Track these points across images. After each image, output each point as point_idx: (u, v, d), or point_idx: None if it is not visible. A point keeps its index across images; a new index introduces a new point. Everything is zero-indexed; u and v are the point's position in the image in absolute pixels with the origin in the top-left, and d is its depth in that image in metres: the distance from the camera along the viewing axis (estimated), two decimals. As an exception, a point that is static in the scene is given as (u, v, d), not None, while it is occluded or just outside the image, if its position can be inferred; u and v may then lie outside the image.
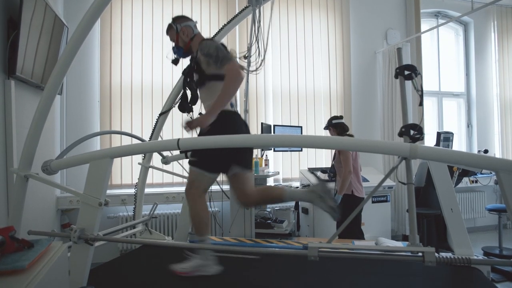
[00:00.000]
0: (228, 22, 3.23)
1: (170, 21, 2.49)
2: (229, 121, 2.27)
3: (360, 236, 3.49)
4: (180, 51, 2.46)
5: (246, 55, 3.04)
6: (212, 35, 3.29)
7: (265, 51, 2.99)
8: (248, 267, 2.53)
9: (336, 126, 3.62)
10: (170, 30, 2.48)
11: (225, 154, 2.22)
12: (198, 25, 2.54)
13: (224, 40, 3.28)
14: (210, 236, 2.31)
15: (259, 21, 2.87)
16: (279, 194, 2.33)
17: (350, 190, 3.46)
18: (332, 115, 4.88)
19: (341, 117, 3.69)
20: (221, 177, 4.25)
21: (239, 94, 3.89)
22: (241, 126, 2.33)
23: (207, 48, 2.21)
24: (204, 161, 2.22)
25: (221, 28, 3.23)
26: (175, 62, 2.52)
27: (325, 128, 3.74)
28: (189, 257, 2.32)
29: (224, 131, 2.13)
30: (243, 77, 2.18)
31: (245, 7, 3.15)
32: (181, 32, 2.41)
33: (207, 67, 2.27)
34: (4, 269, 1.16)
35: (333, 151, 3.93)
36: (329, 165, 4.72)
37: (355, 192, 3.47)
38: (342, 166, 3.49)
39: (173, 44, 2.48)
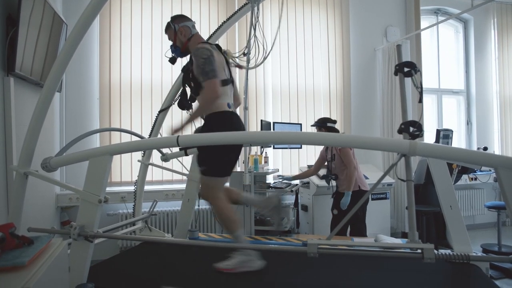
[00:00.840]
0: (227, 19, 3.22)
1: (169, 19, 2.50)
2: (223, 121, 2.29)
3: (364, 232, 3.51)
4: (177, 51, 2.48)
5: (245, 52, 3.04)
6: (211, 33, 3.28)
7: (264, 50, 2.98)
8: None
9: (330, 129, 3.60)
10: (169, 29, 2.48)
11: (232, 159, 2.33)
12: (197, 22, 2.54)
13: (223, 38, 3.27)
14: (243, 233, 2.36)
15: (257, 18, 2.86)
16: (236, 198, 2.46)
17: (357, 185, 3.49)
18: (332, 112, 4.91)
19: (335, 122, 3.67)
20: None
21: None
22: (236, 126, 2.34)
23: (198, 59, 2.24)
24: (216, 169, 2.30)
25: (220, 25, 3.22)
26: (172, 61, 2.55)
27: (315, 126, 3.70)
28: (232, 255, 2.35)
29: (217, 131, 2.15)
30: (216, 96, 2.21)
31: (244, 4, 3.14)
32: (178, 32, 2.43)
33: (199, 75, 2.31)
34: (4, 266, 1.16)
35: (321, 152, 3.90)
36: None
37: (362, 187, 3.52)
38: (343, 165, 3.50)
39: (171, 43, 2.50)
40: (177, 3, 4.28)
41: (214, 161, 2.26)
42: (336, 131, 3.66)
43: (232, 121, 2.33)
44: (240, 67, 2.65)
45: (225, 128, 2.20)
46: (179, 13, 3.00)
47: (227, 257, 2.33)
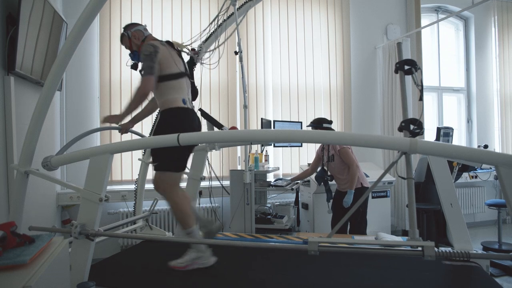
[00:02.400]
0: (227, 18, 3.22)
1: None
2: (177, 116, 2.35)
3: (364, 229, 3.51)
4: (135, 56, 2.54)
5: (236, 51, 3.03)
6: (211, 32, 3.28)
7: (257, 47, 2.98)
8: (248, 262, 2.54)
9: (326, 130, 3.58)
10: (123, 38, 2.56)
11: (185, 154, 2.37)
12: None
13: (222, 37, 3.27)
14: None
15: (221, 17, 2.89)
16: (188, 221, 2.32)
17: (359, 183, 3.48)
18: (332, 110, 4.91)
19: (331, 122, 3.66)
20: (221, 172, 4.29)
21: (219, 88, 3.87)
22: (190, 122, 2.39)
23: (141, 56, 2.33)
24: (170, 163, 2.32)
25: (219, 25, 3.21)
26: (134, 67, 2.61)
27: (310, 126, 3.68)
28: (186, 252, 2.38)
29: (171, 126, 2.26)
30: (146, 93, 2.30)
31: (243, 3, 3.15)
32: (132, 37, 2.50)
33: None
34: (5, 264, 1.17)
35: (317, 152, 3.89)
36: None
37: (364, 184, 3.51)
38: (344, 164, 3.49)
39: (129, 51, 2.57)
40: (177, 2, 4.26)
41: (168, 156, 2.28)
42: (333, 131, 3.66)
43: (184, 118, 2.37)
44: (195, 53, 2.69)
45: (177, 125, 2.29)
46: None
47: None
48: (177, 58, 2.48)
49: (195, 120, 2.44)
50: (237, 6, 3.13)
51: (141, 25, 2.58)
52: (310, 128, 3.70)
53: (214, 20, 3.05)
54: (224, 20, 3.19)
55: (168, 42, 2.50)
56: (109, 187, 3.89)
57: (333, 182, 3.67)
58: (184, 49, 2.72)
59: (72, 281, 1.77)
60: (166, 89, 2.37)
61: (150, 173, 3.88)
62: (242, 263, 2.52)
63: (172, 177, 2.35)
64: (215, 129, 2.88)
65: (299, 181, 4.15)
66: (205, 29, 2.95)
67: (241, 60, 3.03)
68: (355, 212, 3.48)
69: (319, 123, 3.61)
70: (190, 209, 2.37)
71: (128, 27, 2.56)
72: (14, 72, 2.46)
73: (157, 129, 2.39)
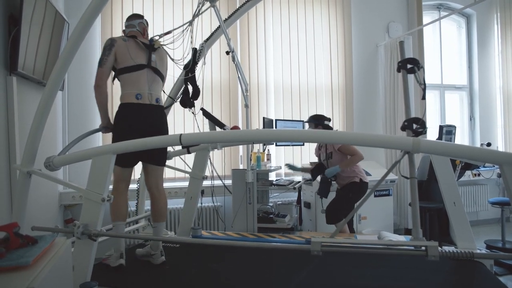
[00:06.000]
0: (228, 18, 3.20)
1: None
2: (121, 113, 2.46)
3: (341, 217, 3.40)
4: None
5: (228, 51, 3.00)
6: (212, 30, 3.27)
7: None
8: (250, 261, 2.54)
9: (326, 127, 3.55)
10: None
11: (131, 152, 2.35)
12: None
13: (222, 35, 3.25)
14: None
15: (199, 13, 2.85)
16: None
17: (359, 178, 3.45)
18: (334, 109, 4.90)
19: (329, 119, 3.63)
20: (223, 172, 4.28)
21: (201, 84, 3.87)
22: (137, 118, 2.43)
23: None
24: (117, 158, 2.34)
25: (219, 26, 3.20)
26: None
27: (310, 122, 3.63)
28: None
29: (116, 124, 2.41)
30: (98, 86, 2.49)
31: (245, 1, 3.12)
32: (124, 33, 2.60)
33: (114, 62, 2.48)
34: (8, 265, 1.17)
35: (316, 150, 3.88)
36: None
37: (363, 179, 3.48)
38: (344, 160, 3.46)
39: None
40: (178, 1, 4.26)
41: None
42: (331, 129, 3.64)
43: (129, 114, 2.43)
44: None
45: (121, 122, 2.39)
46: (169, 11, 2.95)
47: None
48: (136, 52, 2.49)
49: (146, 116, 2.45)
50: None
51: (137, 18, 2.64)
52: (308, 124, 3.67)
53: (195, 18, 2.95)
54: (226, 19, 3.18)
55: (132, 37, 2.53)
56: (111, 187, 3.89)
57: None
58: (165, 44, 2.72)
59: (75, 281, 1.78)
60: (123, 84, 2.50)
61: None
62: (244, 262, 2.52)
63: (117, 172, 2.42)
64: (217, 128, 2.87)
65: (300, 181, 4.15)
66: (186, 27, 2.86)
67: (233, 59, 2.99)
68: (345, 200, 3.43)
69: (320, 120, 3.57)
70: (123, 208, 2.47)
71: (126, 21, 2.65)
72: (17, 73, 2.47)
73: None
